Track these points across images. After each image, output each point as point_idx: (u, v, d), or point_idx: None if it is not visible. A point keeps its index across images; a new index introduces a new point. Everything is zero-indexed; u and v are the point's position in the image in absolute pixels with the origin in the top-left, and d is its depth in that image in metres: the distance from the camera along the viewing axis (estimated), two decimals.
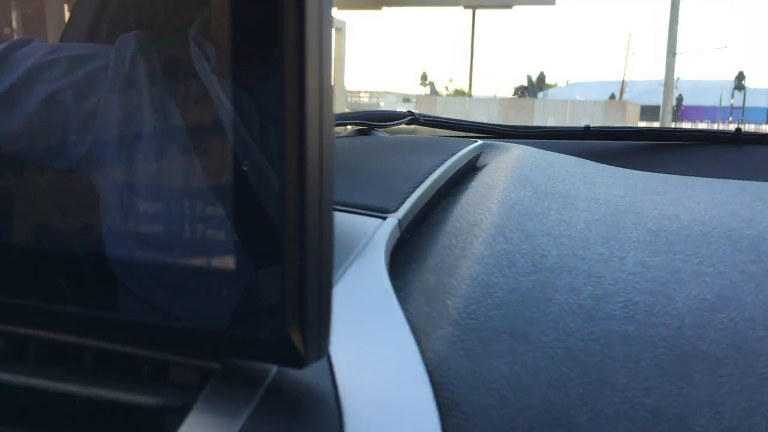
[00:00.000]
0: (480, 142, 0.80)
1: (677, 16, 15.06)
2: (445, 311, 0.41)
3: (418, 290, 0.44)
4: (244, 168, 0.33)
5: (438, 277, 0.45)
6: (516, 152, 0.79)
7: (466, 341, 0.38)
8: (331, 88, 0.31)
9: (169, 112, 0.34)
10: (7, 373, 0.37)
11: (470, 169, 0.72)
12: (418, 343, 0.38)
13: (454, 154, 0.70)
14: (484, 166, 0.73)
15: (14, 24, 0.44)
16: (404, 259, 0.49)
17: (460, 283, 0.43)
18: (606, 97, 26.14)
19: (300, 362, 0.33)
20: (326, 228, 0.33)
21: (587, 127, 1.02)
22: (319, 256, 0.32)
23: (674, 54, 15.60)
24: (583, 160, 0.85)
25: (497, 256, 0.47)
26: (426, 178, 0.60)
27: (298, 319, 0.32)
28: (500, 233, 0.50)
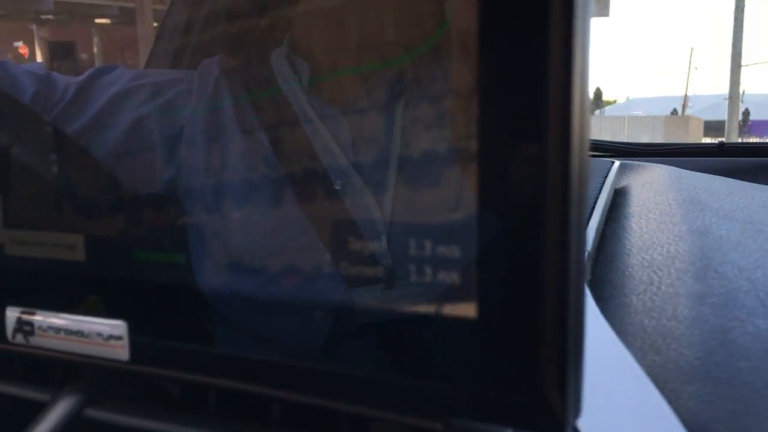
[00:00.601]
0: (618, 162, 0.74)
1: (742, 27, 14.64)
2: (683, 362, 0.35)
3: (635, 335, 0.38)
4: (486, 203, 0.28)
5: (656, 320, 0.39)
6: (662, 172, 0.73)
7: (726, 400, 0.32)
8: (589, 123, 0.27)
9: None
10: (184, 425, 0.34)
11: (618, 192, 0.67)
12: (668, 401, 0.32)
13: (605, 176, 0.65)
14: (629, 188, 0.67)
15: (95, 49, 0.42)
16: (600, 296, 0.44)
17: (689, 328, 0.38)
18: (667, 112, 25.54)
19: (557, 426, 0.28)
20: (582, 270, 0.28)
21: (721, 144, 0.96)
22: (579, 303, 0.27)
23: (739, 66, 15.16)
24: (732, 180, 0.78)
25: (719, 295, 0.41)
26: (595, 204, 0.54)
27: (558, 376, 0.27)
28: (710, 267, 0.44)
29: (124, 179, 0.38)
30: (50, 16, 0.45)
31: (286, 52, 0.33)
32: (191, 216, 0.35)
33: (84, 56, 0.43)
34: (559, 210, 0.26)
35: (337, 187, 0.31)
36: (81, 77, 0.41)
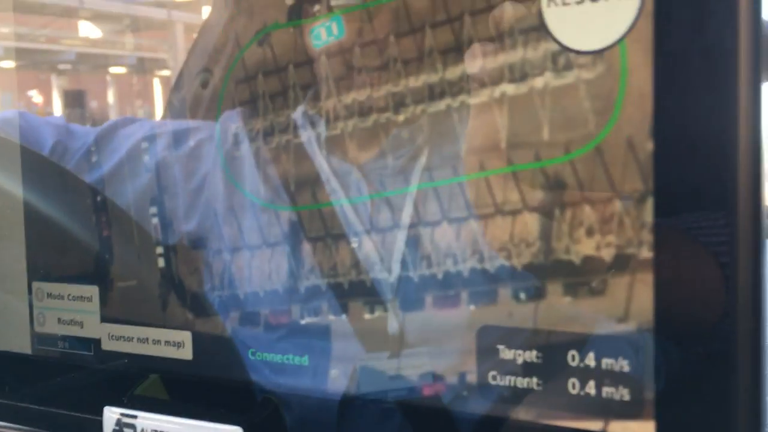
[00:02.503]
0: None
1: None
2: None
3: None
4: (664, 315, 0.26)
5: None
6: None
7: None
8: None
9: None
10: None
11: None
12: None
13: None
14: None
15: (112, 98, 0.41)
16: None
17: None
18: None
19: None
20: None
21: None
22: None
23: None
24: None
25: None
26: None
27: None
28: None
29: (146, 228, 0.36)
30: (68, 66, 0.44)
31: (304, 109, 0.31)
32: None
33: (100, 105, 0.42)
34: (752, 326, 0.24)
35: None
36: (101, 127, 0.40)
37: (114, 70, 0.43)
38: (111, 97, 0.44)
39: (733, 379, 0.25)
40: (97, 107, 0.43)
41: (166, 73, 0.39)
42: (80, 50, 0.47)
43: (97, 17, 0.42)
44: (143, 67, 0.39)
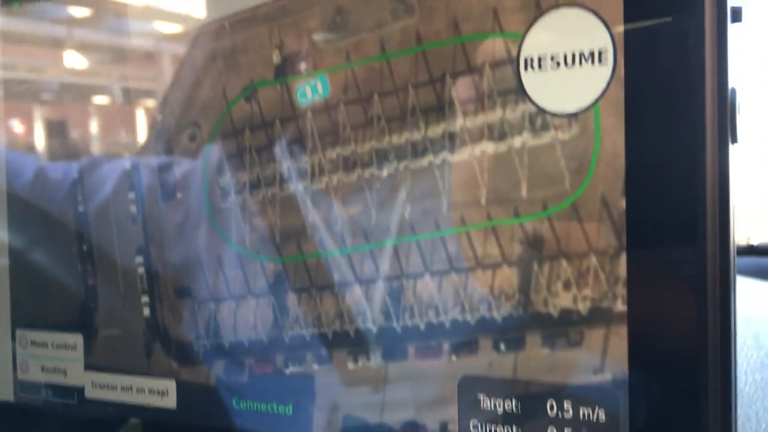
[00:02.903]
0: None
1: None
2: None
3: None
4: (637, 364, 0.27)
5: None
6: None
7: None
8: None
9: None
10: None
11: None
12: None
13: None
14: None
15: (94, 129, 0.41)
16: None
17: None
18: None
19: None
20: None
21: None
22: None
23: None
24: None
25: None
26: None
27: None
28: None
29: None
30: (50, 96, 0.44)
31: (289, 163, 0.33)
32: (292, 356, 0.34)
33: (81, 136, 0.42)
34: (721, 376, 0.26)
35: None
36: (83, 160, 0.40)
37: (98, 100, 0.43)
38: (94, 127, 0.44)
39: (704, 425, 0.26)
40: (77, 137, 0.43)
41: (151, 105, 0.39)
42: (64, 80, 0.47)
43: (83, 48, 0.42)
44: (127, 98, 0.40)
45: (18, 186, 0.42)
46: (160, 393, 0.37)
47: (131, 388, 0.38)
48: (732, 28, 0.25)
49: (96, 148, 0.41)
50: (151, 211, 0.37)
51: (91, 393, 0.39)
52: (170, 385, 0.37)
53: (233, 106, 0.35)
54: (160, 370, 0.37)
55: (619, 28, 0.27)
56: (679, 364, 0.26)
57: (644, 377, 0.27)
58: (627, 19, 0.26)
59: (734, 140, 0.26)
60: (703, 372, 0.26)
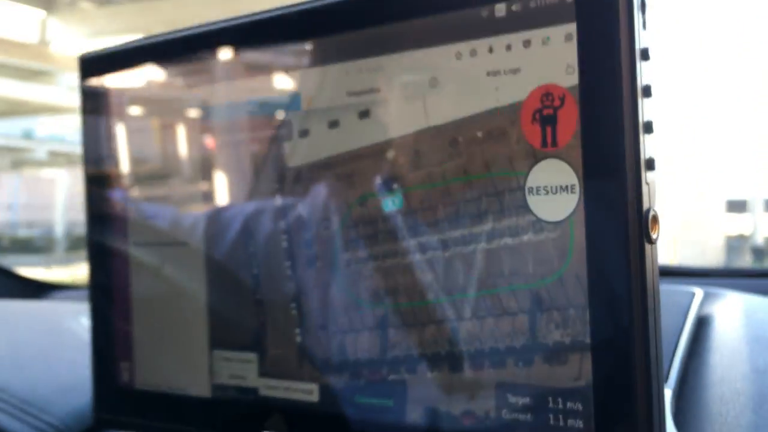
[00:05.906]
0: (702, 293, 0.82)
1: None
2: None
3: None
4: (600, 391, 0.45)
5: None
6: (740, 304, 0.84)
7: None
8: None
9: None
10: None
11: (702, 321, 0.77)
12: None
13: (688, 310, 0.77)
14: (710, 318, 0.78)
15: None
16: (684, 427, 0.58)
17: None
18: None
19: None
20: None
21: None
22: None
23: None
24: None
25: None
26: (678, 340, 0.69)
27: None
28: (765, 402, 0.59)
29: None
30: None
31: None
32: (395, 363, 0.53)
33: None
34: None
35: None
36: (246, 211, 0.61)
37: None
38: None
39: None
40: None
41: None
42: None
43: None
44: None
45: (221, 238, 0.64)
46: (307, 392, 0.57)
47: (289, 388, 0.58)
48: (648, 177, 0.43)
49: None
50: (301, 275, 0.58)
51: (262, 392, 0.60)
52: (314, 387, 0.57)
53: (353, 208, 0.55)
54: (308, 377, 0.57)
55: (581, 172, 0.45)
56: (616, 370, 0.44)
57: (605, 378, 0.45)
58: (586, 166, 0.45)
59: (649, 241, 0.43)
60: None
